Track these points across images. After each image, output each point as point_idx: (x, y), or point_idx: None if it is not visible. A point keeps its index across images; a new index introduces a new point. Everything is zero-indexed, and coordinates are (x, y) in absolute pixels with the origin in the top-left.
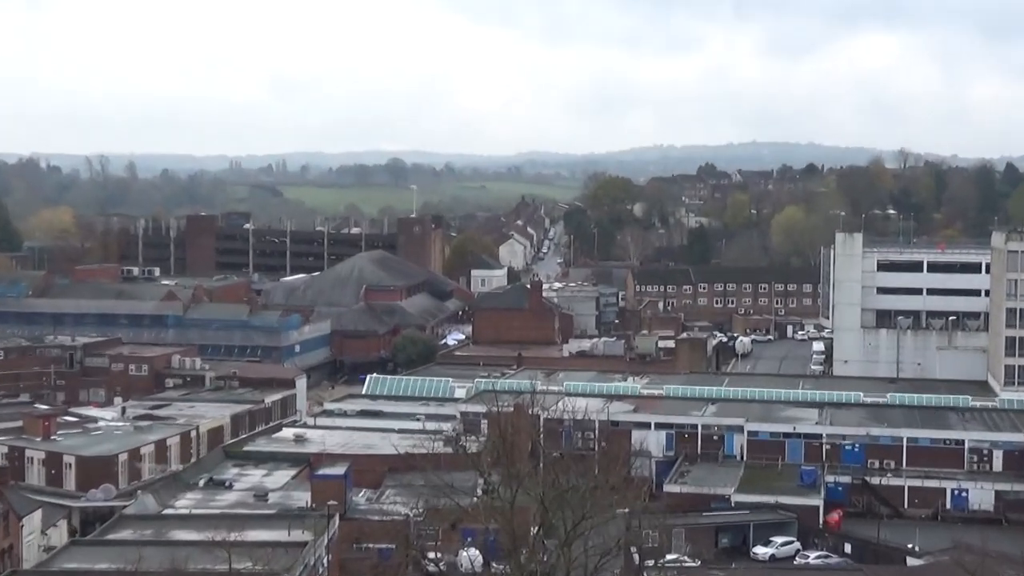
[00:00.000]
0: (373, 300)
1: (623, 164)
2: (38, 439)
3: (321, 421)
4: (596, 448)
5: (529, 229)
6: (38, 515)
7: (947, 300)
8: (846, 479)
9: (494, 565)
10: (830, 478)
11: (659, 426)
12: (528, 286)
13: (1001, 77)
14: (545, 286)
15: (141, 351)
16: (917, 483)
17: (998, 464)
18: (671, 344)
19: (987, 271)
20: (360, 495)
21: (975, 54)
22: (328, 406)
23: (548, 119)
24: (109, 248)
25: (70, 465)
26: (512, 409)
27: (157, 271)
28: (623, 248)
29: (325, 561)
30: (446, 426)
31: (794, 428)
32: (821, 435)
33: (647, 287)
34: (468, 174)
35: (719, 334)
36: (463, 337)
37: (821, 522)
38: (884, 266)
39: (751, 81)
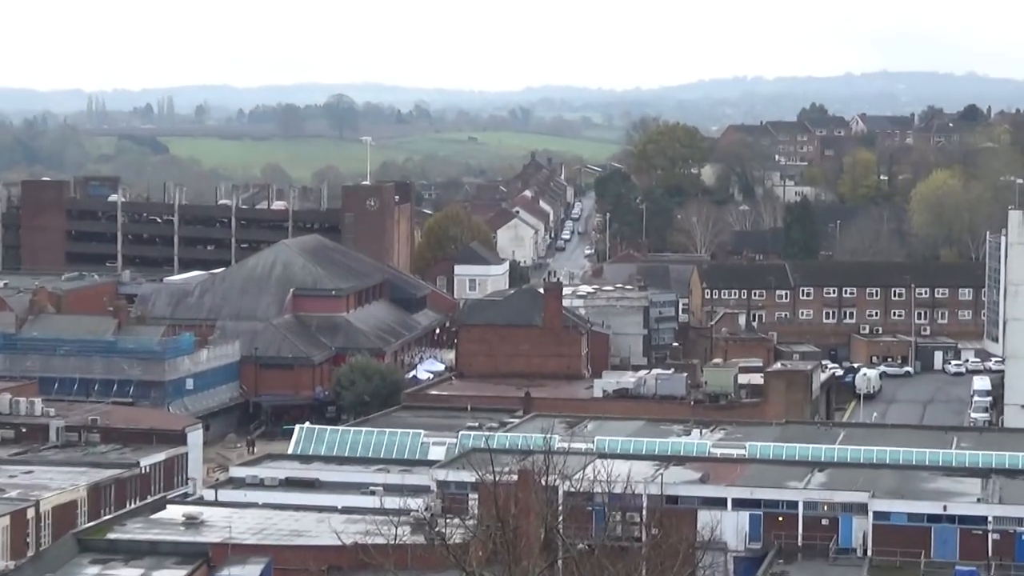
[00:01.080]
0: (305, 311)
1: (685, 105)
2: None
3: (226, 495)
4: (644, 537)
5: (543, 204)
6: None
7: None
8: None
9: None
10: None
11: (739, 504)
12: (541, 291)
13: None
14: (567, 290)
15: None
16: None
17: None
18: (758, 379)
19: None
20: None
21: None
22: (237, 472)
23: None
24: None
25: None
26: (516, 478)
27: None
28: (686, 233)
29: None
30: (415, 503)
31: (945, 508)
32: (986, 518)
33: (722, 292)
34: (450, 119)
35: (831, 364)
36: (442, 368)
37: None
38: None
39: None
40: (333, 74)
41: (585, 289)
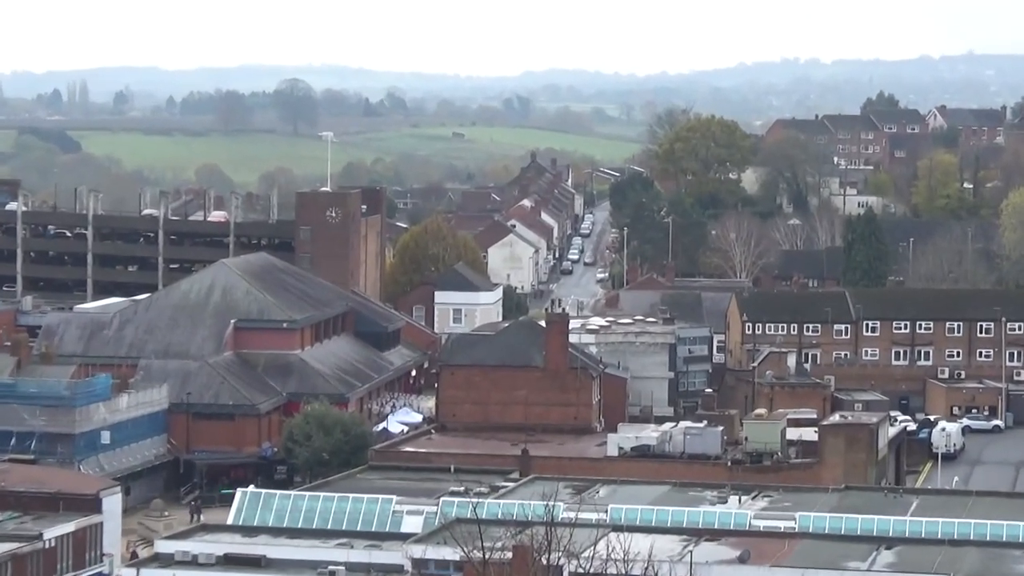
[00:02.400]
0: (249, 347)
1: (722, 94)
2: None
3: (151, 575)
4: None
5: (545, 216)
6: None
7: None
8: None
9: None
10: None
11: None
12: (543, 323)
13: None
14: (575, 323)
15: None
16: None
17: None
18: (811, 435)
19: None
20: None
21: None
22: (164, 546)
23: (580, 11)
24: None
25: None
26: (510, 555)
27: None
28: (722, 253)
29: None
30: None
31: None
32: None
33: (767, 327)
34: (431, 111)
35: (901, 416)
36: (419, 419)
37: None
38: None
39: None
40: (285, 54)
41: (597, 322)
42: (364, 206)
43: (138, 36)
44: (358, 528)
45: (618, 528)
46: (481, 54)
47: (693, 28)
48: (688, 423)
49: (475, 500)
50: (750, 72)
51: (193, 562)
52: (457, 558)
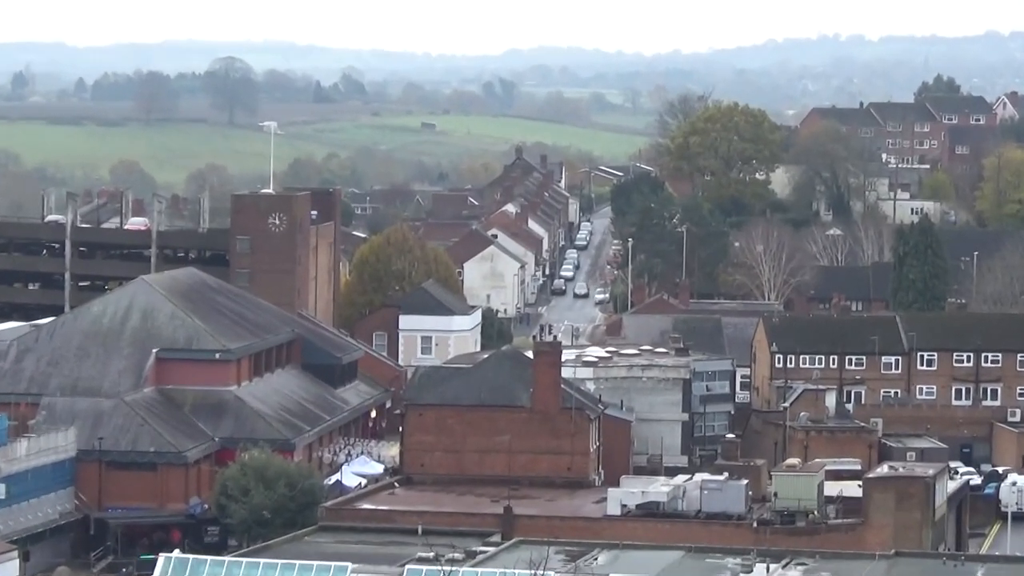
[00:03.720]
0: (175, 382)
1: (747, 77)
2: None
3: None
4: None
5: (533, 224)
6: None
7: None
8: None
9: None
10: None
11: None
12: (530, 354)
13: None
14: (569, 354)
15: None
16: None
17: None
18: (854, 490)
19: None
20: None
21: None
22: None
23: None
24: None
25: None
26: None
27: None
28: (747, 269)
29: None
30: None
31: None
32: None
33: (801, 358)
34: (395, 96)
35: (963, 468)
36: (380, 470)
37: None
38: None
39: None
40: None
41: (596, 353)
42: (314, 211)
43: (40, 5)
44: None
45: None
46: (456, 29)
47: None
48: (706, 475)
49: (447, 568)
50: (781, 51)
51: None
52: None
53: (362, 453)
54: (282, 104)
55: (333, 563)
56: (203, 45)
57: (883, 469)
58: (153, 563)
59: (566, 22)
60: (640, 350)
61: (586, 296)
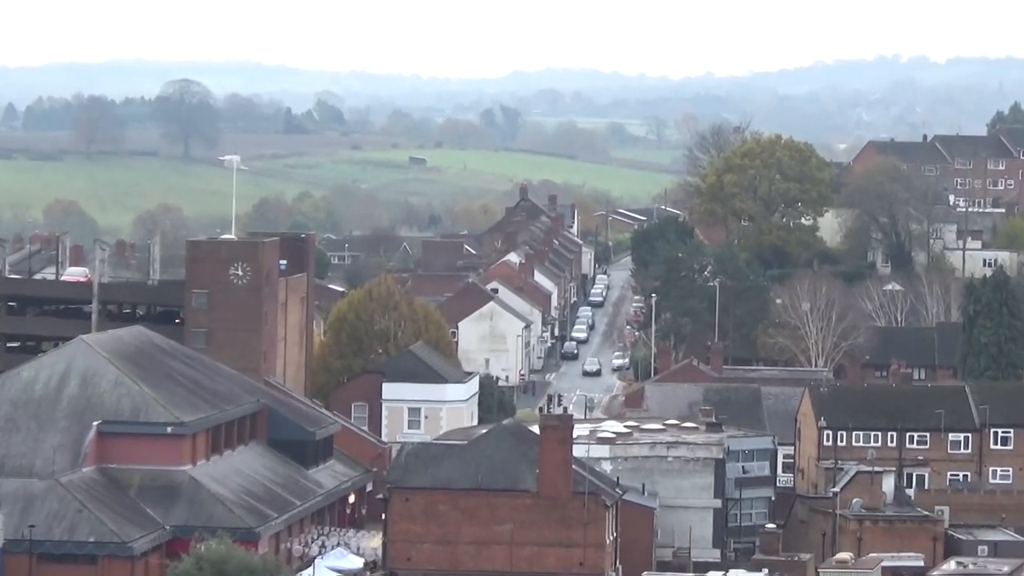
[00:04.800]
0: (120, 461)
1: (790, 106)
2: None
3: None
4: None
5: (540, 277)
6: None
7: None
8: None
9: None
10: None
11: None
12: (536, 429)
13: None
14: (582, 429)
15: None
16: None
17: None
18: None
19: None
20: None
21: None
22: None
23: None
24: None
25: None
26: None
27: None
28: (790, 331)
29: None
30: None
31: None
32: None
33: (853, 436)
34: (379, 126)
35: None
36: (359, 565)
37: None
38: None
39: None
40: (172, 47)
41: (613, 428)
42: (284, 261)
43: None
44: None
45: None
46: (450, 47)
47: (750, 13)
48: (742, 572)
49: None
50: (831, 74)
51: None
52: None
53: (338, 544)
54: (246, 134)
55: None
56: (154, 65)
57: (950, 566)
58: None
59: (579, 40)
60: (665, 425)
61: (598, 374)
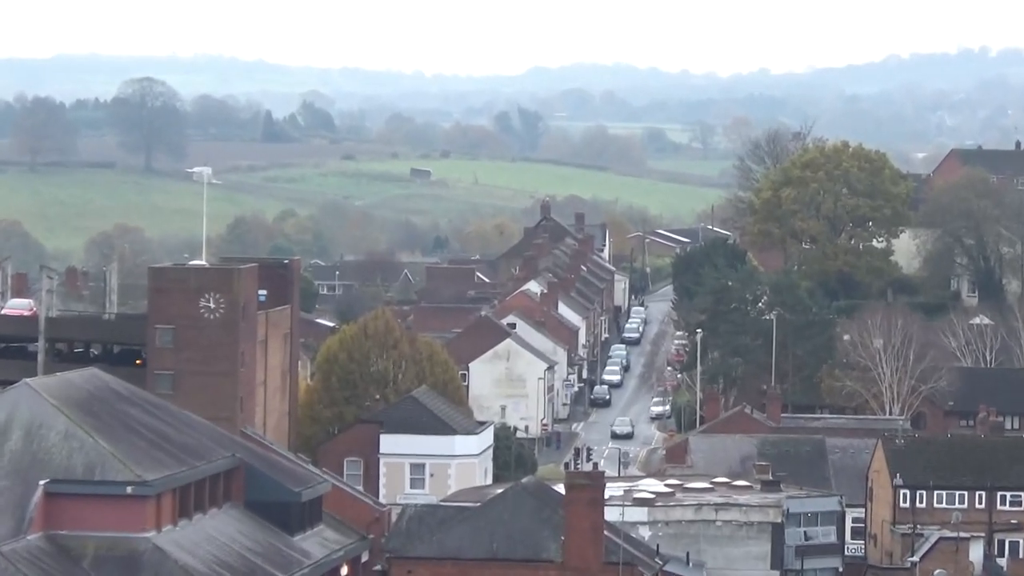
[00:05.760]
0: (71, 527)
1: (858, 107)
2: None
3: None
4: None
5: (564, 309)
6: None
7: None
8: None
9: None
10: None
11: None
12: (560, 489)
13: None
14: (615, 488)
15: None
16: None
17: None
18: None
19: None
20: None
21: None
22: None
23: None
24: None
25: None
26: None
27: None
28: (860, 372)
29: None
30: None
31: None
32: None
33: (935, 496)
34: (375, 132)
35: None
36: None
37: None
38: None
39: None
40: (131, 40)
41: (652, 487)
42: (263, 291)
43: None
44: None
45: None
46: (459, 40)
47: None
48: None
49: None
50: (907, 71)
51: None
52: None
53: None
54: (219, 143)
55: None
56: (110, 61)
57: None
58: None
59: (611, 31)
60: (713, 483)
61: (630, 436)
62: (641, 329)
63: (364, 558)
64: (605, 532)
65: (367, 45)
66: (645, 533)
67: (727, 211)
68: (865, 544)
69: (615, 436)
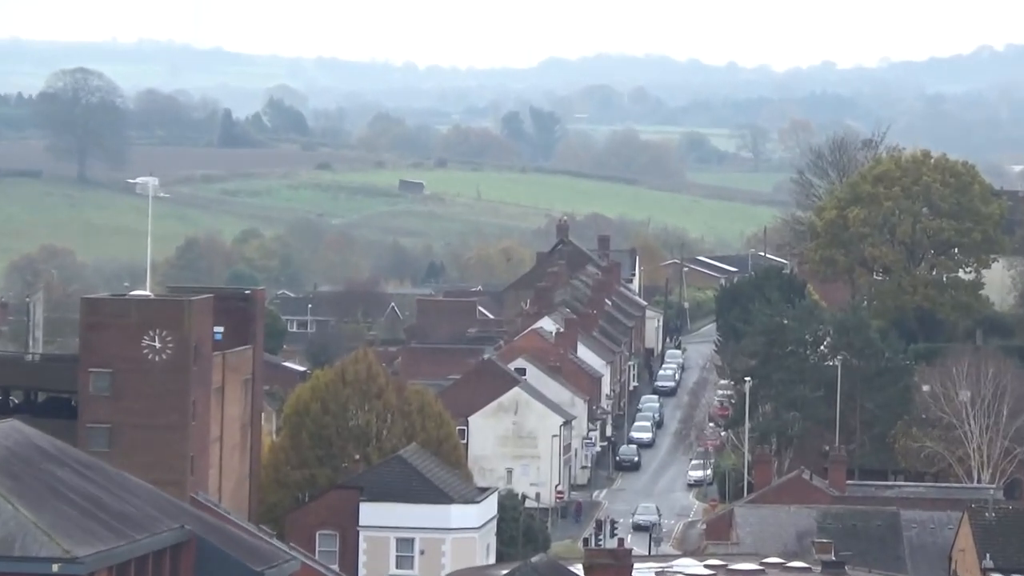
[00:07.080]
0: None
1: (941, 108)
2: None
3: None
4: None
5: (584, 350)
6: None
7: None
8: None
9: None
10: None
11: None
12: (581, 569)
13: None
14: (643, 571)
15: None
16: None
17: None
18: None
19: None
20: None
21: None
22: None
23: None
24: None
25: None
26: None
27: None
28: (946, 430)
29: None
30: None
31: None
32: None
33: None
34: (357, 136)
35: None
36: None
37: None
38: None
39: None
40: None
41: (691, 568)
42: (220, 328)
43: None
44: None
45: None
46: (459, 27)
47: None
48: None
49: None
50: (1001, 66)
51: None
52: None
53: None
54: (168, 147)
55: None
56: (37, 48)
57: None
58: None
59: (642, 17)
60: (764, 564)
61: (652, 528)
62: (677, 377)
63: None
64: None
65: (347, 31)
66: None
67: (782, 235)
68: None
69: (637, 528)
